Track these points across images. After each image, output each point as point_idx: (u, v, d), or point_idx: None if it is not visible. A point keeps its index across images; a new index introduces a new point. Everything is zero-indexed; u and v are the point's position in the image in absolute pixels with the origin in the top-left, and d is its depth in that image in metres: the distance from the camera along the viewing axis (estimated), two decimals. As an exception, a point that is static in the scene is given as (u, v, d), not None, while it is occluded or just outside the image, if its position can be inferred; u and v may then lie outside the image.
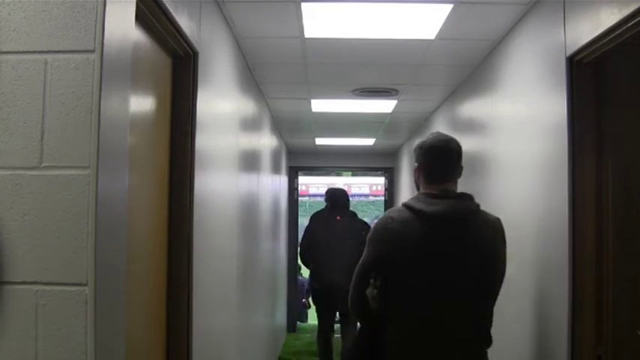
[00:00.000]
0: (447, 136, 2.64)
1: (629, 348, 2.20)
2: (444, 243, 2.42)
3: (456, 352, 2.43)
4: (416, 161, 2.64)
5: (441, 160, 2.57)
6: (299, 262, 6.90)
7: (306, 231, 6.24)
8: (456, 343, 2.43)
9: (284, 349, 7.81)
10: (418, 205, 2.47)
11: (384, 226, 2.51)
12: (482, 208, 2.53)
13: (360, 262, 2.57)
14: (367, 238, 2.57)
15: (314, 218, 6.30)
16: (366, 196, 29.22)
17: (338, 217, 5.99)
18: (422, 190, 2.58)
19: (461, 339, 2.43)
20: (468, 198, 2.52)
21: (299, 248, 6.48)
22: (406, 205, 2.51)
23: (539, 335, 2.76)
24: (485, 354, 2.51)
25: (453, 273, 2.42)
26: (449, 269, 2.42)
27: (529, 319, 2.89)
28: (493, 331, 2.51)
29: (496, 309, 2.53)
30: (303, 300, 9.54)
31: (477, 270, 2.43)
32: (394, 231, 2.46)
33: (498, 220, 2.56)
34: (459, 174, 2.60)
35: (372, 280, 2.53)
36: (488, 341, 2.51)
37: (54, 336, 1.38)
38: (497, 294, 2.53)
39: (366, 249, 2.56)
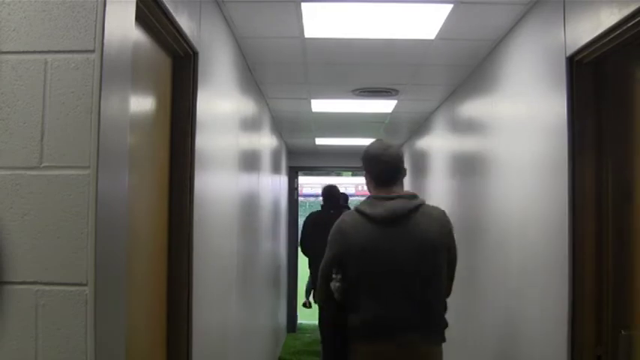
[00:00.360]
0: (388, 143, 2.96)
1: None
2: (387, 240, 2.74)
3: (411, 339, 2.70)
4: (364, 169, 2.92)
5: (385, 166, 2.86)
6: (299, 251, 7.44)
7: (304, 225, 6.63)
8: (409, 331, 2.70)
9: (284, 349, 7.81)
10: (365, 209, 2.81)
11: (338, 228, 2.86)
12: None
13: (323, 259, 2.90)
14: (328, 239, 2.88)
15: (310, 214, 6.76)
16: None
17: (332, 211, 6.30)
18: (371, 194, 2.89)
19: (413, 326, 2.71)
20: (411, 197, 2.84)
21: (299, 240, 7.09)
22: (356, 209, 2.85)
23: (539, 335, 2.76)
24: (442, 335, 2.79)
25: (396, 266, 2.73)
26: (392, 263, 2.73)
27: (529, 318, 2.89)
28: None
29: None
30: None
31: (420, 259, 2.74)
32: (345, 233, 2.81)
33: (443, 212, 2.89)
34: (404, 175, 2.91)
35: (334, 275, 2.85)
36: (442, 324, 2.79)
37: (54, 336, 1.38)
38: (446, 278, 2.84)
39: (327, 248, 2.89)
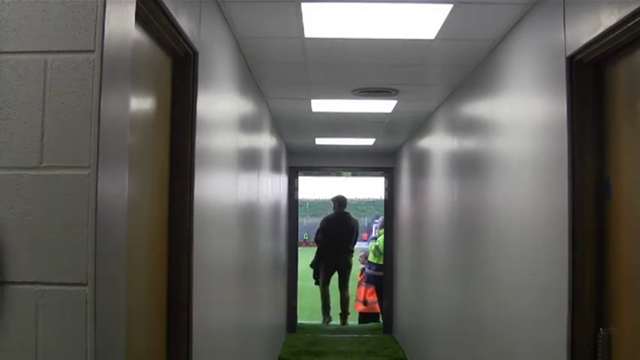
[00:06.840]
0: (340, 196, 10.34)
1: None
2: (337, 225, 10.11)
3: (340, 253, 10.00)
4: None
5: (338, 203, 10.30)
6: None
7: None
8: (340, 251, 10.01)
9: (284, 349, 7.81)
10: (334, 214, 10.31)
11: (324, 218, 10.59)
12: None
13: (318, 229, 10.40)
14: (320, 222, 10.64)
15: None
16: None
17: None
18: (334, 210, 10.26)
19: (340, 249, 10.00)
20: (346, 213, 10.28)
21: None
22: (334, 213, 10.30)
23: (537, 336, 2.76)
24: (350, 254, 10.18)
25: (339, 232, 10.03)
26: (336, 232, 10.03)
27: (529, 319, 2.90)
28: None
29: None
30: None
31: (344, 231, 10.05)
32: (325, 220, 10.43)
33: (356, 219, 10.53)
34: (345, 206, 10.34)
35: (320, 232, 10.25)
36: (350, 250, 10.13)
37: (54, 336, 1.38)
38: (352, 238, 10.09)
39: (320, 225, 10.41)
